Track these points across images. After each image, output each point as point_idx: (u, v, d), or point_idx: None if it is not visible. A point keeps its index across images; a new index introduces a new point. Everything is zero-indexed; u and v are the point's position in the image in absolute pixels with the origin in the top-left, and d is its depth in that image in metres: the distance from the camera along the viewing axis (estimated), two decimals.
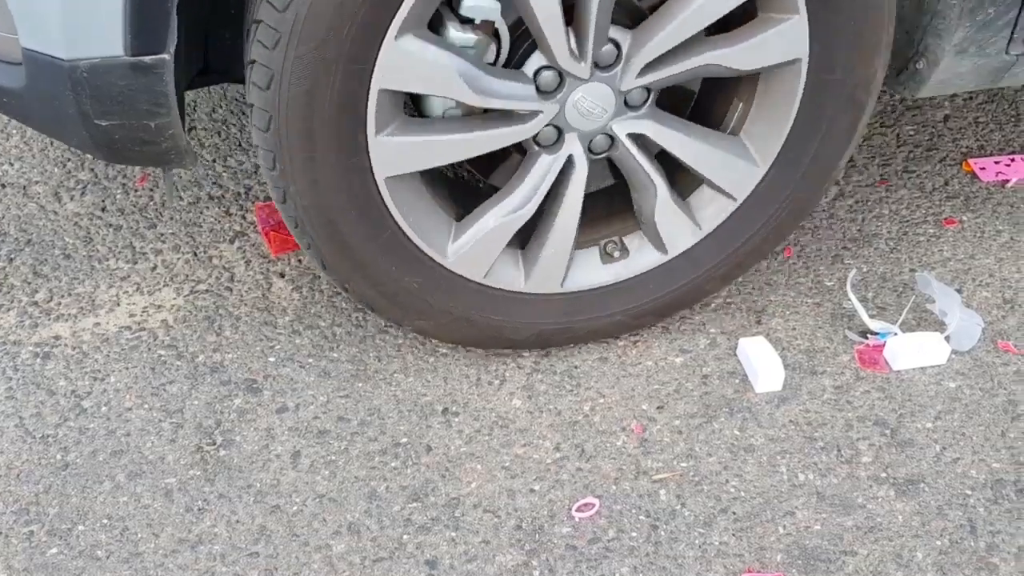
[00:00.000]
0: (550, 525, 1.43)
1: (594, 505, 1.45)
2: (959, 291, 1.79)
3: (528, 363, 1.66)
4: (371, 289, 1.50)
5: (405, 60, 1.30)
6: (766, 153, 1.54)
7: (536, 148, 1.46)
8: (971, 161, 2.10)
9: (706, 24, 1.39)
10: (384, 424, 1.56)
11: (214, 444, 1.53)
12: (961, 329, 1.67)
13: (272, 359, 1.66)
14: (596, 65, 1.40)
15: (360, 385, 1.62)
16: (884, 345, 1.67)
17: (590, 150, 1.48)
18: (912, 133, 2.20)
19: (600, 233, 1.60)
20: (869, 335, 1.70)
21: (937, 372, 1.65)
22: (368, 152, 1.37)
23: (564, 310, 1.60)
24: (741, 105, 1.55)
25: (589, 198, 1.54)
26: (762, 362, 1.61)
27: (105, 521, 1.43)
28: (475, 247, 1.49)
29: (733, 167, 1.53)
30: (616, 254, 1.60)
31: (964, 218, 1.96)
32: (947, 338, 1.67)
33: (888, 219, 1.96)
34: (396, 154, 1.39)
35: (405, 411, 1.58)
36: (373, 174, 1.39)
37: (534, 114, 1.41)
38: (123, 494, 1.47)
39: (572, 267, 1.57)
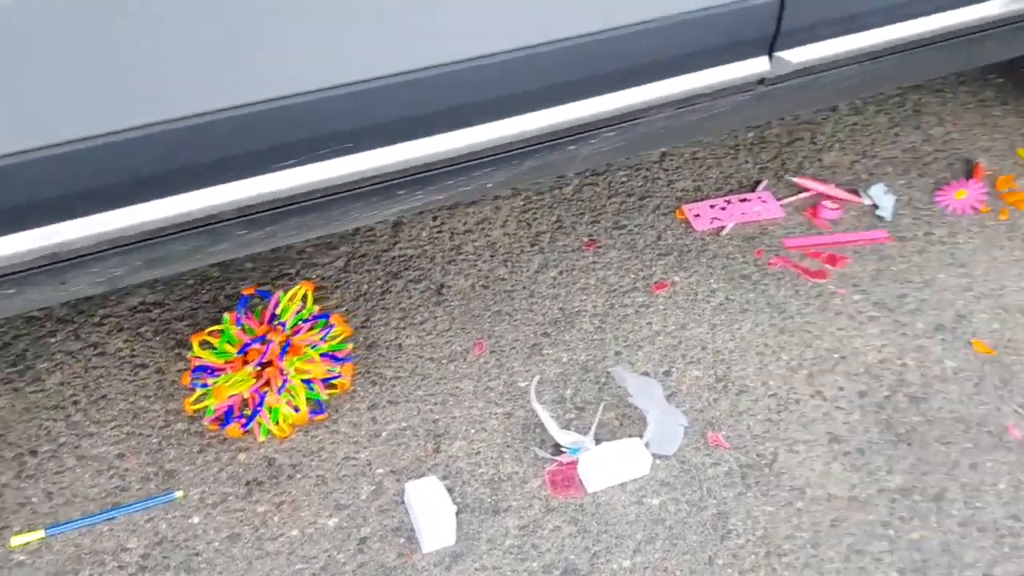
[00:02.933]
0: None
1: None
2: (668, 374, 1.55)
3: (138, 551, 1.33)
4: None
5: None
6: None
7: None
8: (685, 208, 1.88)
9: None
10: None
11: None
12: (660, 432, 1.43)
13: None
14: None
15: None
16: (577, 462, 1.42)
17: None
18: (624, 179, 1.97)
19: None
20: (563, 449, 1.44)
21: (639, 487, 1.40)
22: None
23: None
24: None
25: None
26: (429, 512, 1.33)
27: None
28: None
29: None
30: None
31: (677, 279, 1.73)
32: (647, 444, 1.43)
33: (594, 290, 1.72)
34: None
35: None
36: None
37: None
38: None
39: None
